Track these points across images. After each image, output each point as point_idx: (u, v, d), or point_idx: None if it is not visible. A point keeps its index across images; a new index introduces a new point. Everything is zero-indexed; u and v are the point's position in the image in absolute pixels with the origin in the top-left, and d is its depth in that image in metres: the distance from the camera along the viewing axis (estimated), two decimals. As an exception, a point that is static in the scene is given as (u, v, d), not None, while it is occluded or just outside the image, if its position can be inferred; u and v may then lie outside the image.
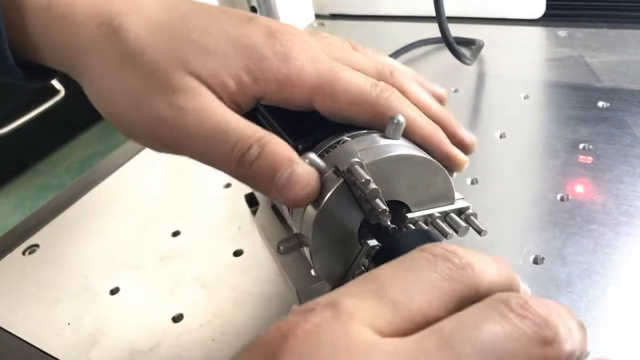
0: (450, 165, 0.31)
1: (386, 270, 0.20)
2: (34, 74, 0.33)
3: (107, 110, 0.30)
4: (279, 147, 0.28)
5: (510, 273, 0.21)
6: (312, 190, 0.27)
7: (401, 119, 0.29)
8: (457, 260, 0.20)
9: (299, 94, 0.30)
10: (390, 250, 0.26)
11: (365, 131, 0.30)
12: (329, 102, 0.30)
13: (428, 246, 0.21)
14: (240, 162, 0.28)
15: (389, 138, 0.29)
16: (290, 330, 0.18)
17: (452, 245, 0.21)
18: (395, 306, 0.19)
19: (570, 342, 0.18)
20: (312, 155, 0.28)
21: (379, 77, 0.32)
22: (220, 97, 0.29)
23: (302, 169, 0.27)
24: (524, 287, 0.22)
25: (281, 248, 0.29)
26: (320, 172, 0.28)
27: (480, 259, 0.20)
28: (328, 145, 0.29)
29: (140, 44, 0.29)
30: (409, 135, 0.30)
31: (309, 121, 0.31)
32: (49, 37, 0.30)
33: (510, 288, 0.21)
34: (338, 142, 0.29)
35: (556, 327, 0.18)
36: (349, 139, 0.29)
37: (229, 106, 0.29)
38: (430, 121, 0.31)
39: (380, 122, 0.30)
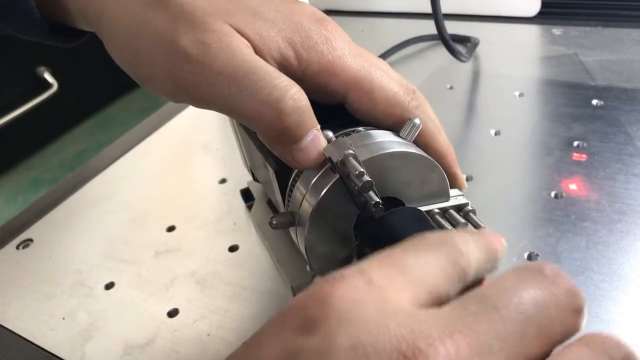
0: (452, 186, 0.32)
1: (397, 250, 0.21)
2: (58, 34, 0.33)
3: (127, 55, 0.29)
4: (309, 105, 0.27)
5: (486, 242, 0.22)
6: (319, 160, 0.28)
7: (417, 122, 0.29)
8: (451, 245, 0.21)
9: (337, 83, 0.30)
10: (380, 228, 0.26)
11: (345, 131, 0.30)
12: (365, 98, 0.30)
13: (421, 236, 0.22)
14: (275, 112, 0.26)
15: (402, 138, 0.29)
16: (328, 294, 0.18)
17: (439, 233, 0.22)
18: (416, 279, 0.19)
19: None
20: (331, 134, 0.28)
21: (406, 90, 0.32)
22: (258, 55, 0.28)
23: (322, 139, 0.28)
24: (503, 240, 0.23)
25: (274, 222, 0.29)
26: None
27: (463, 240, 0.21)
28: (343, 132, 0.29)
29: None
30: (427, 147, 0.31)
31: (323, 115, 0.31)
32: None
33: (494, 259, 0.22)
34: (353, 131, 0.29)
35: (584, 298, 0.19)
36: (362, 129, 0.29)
37: None
38: (447, 141, 0.32)
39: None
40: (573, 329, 0.19)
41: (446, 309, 0.18)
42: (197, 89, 0.27)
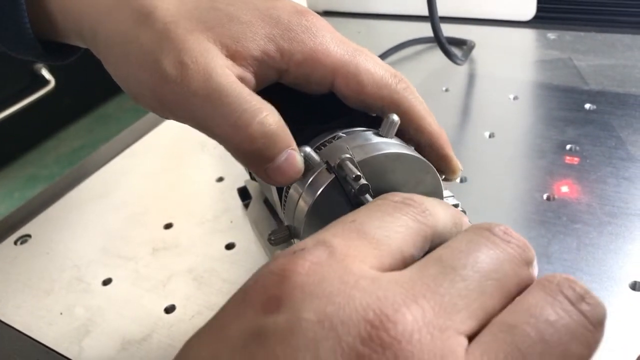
0: (447, 168, 0.32)
1: (360, 213, 0.21)
2: (52, 52, 0.33)
3: (119, 73, 0.30)
4: (281, 127, 0.28)
5: (455, 212, 0.23)
6: (295, 179, 0.28)
7: (395, 118, 0.29)
8: (417, 205, 0.21)
9: (322, 70, 0.30)
10: None
11: (361, 128, 0.30)
12: (352, 82, 0.30)
13: (386, 195, 0.22)
14: (243, 135, 0.27)
15: (382, 136, 0.29)
16: (289, 269, 0.18)
17: (405, 193, 0.22)
18: (378, 243, 0.20)
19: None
20: (308, 149, 0.28)
21: (392, 74, 0.32)
22: (240, 65, 0.29)
23: (297, 157, 0.28)
24: (467, 219, 0.24)
25: (272, 239, 0.30)
26: (314, 165, 0.28)
27: (431, 203, 0.22)
28: (324, 140, 0.30)
29: (160, 6, 0.29)
30: (418, 131, 0.31)
31: (303, 116, 0.32)
32: (70, 4, 0.30)
33: (459, 225, 0.23)
34: (333, 138, 0.30)
35: (533, 251, 0.20)
36: (344, 134, 0.30)
37: (246, 78, 0.29)
38: (437, 123, 0.32)
39: (398, 112, 0.30)
40: (527, 280, 0.19)
41: (407, 273, 0.18)
42: (177, 108, 0.28)
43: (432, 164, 0.32)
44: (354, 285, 0.17)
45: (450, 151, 0.32)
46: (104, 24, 0.30)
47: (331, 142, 0.30)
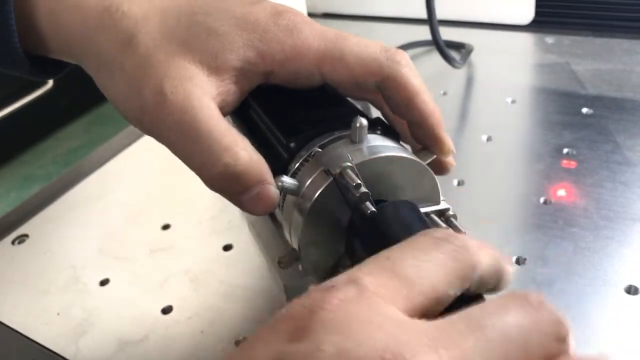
0: (436, 149, 0.31)
1: (396, 250, 0.21)
2: (40, 68, 0.33)
3: (107, 93, 0.30)
4: (253, 163, 0.28)
5: (498, 257, 0.22)
6: (270, 210, 0.28)
7: (364, 122, 0.28)
8: (458, 243, 0.21)
9: (307, 63, 0.30)
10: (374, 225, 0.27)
11: (335, 136, 0.30)
12: (339, 67, 0.30)
13: (429, 231, 0.22)
14: (209, 173, 0.28)
15: (355, 142, 0.29)
16: (317, 304, 0.18)
17: (449, 230, 0.22)
18: (410, 282, 0.20)
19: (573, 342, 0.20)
20: (285, 178, 0.28)
21: (381, 48, 0.31)
22: (222, 80, 0.29)
23: (270, 191, 0.28)
24: (510, 268, 0.23)
25: (282, 264, 0.30)
26: (293, 193, 0.28)
27: (473, 244, 0.22)
28: (299, 163, 0.29)
29: (143, 29, 0.29)
30: (408, 108, 0.30)
31: (301, 117, 0.32)
32: (59, 25, 0.30)
33: (500, 272, 0.22)
34: (310, 156, 0.29)
35: (568, 327, 0.19)
36: (320, 149, 0.29)
37: (230, 91, 0.29)
38: (432, 101, 0.30)
39: (391, 87, 0.30)
40: (556, 355, 0.19)
41: (434, 323, 0.18)
42: (155, 135, 0.29)
43: (422, 142, 0.31)
44: (379, 324, 0.18)
45: (441, 131, 0.31)
46: (91, 46, 0.30)
47: (308, 160, 0.29)
